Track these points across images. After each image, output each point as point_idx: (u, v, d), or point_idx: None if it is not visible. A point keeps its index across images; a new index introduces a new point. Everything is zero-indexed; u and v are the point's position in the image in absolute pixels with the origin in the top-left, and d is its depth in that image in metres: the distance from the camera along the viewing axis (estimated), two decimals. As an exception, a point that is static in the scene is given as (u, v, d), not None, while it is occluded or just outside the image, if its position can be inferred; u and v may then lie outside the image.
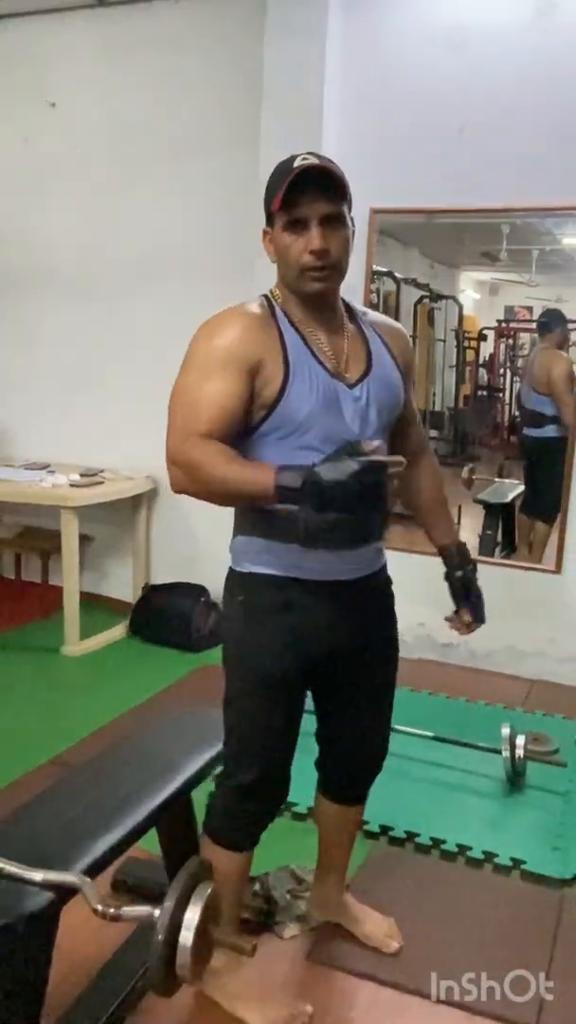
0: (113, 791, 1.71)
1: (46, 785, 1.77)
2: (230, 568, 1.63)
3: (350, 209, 1.52)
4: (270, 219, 1.51)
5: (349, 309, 1.62)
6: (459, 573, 1.74)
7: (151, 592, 3.91)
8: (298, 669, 1.60)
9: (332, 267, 1.49)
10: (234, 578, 1.62)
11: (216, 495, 1.44)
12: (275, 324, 1.52)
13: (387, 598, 1.72)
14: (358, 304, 1.66)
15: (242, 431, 1.49)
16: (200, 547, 3.88)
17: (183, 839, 1.87)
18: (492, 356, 7.27)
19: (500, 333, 6.71)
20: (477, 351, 7.17)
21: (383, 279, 5.04)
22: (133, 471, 3.90)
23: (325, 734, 1.79)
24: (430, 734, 2.74)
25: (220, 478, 1.39)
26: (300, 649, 1.59)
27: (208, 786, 1.78)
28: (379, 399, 1.57)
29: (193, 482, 1.43)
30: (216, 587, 3.87)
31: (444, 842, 2.32)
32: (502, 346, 6.81)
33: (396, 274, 5.42)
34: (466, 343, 7.00)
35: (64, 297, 4.09)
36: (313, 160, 1.46)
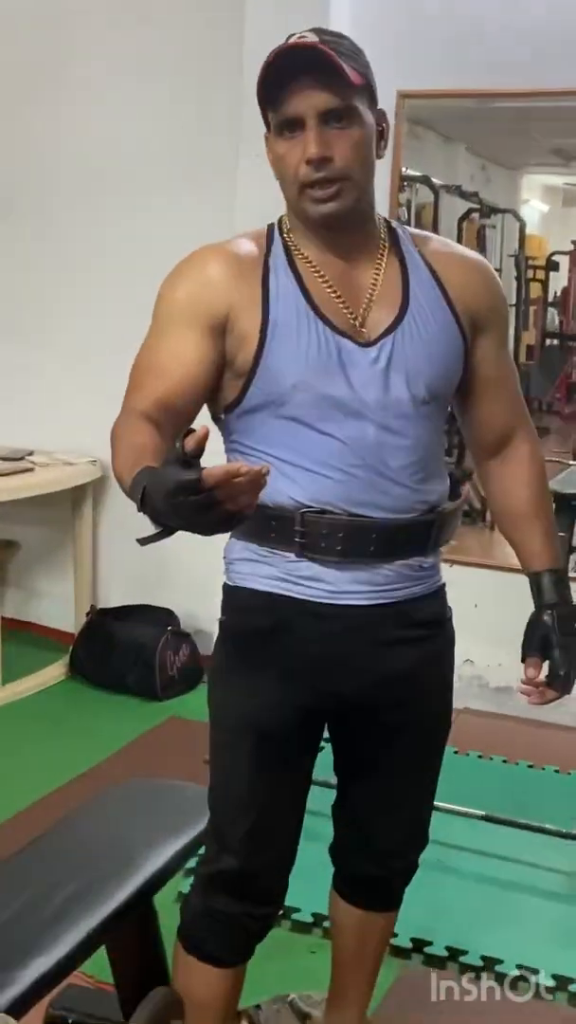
0: (45, 897, 1.71)
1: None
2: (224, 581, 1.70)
3: (373, 101, 1.51)
4: (266, 122, 1.53)
5: (394, 236, 1.62)
6: (548, 616, 1.68)
7: (99, 618, 3.91)
8: (300, 719, 1.62)
9: (340, 179, 1.48)
10: (223, 594, 1.69)
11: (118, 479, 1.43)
12: (263, 262, 1.53)
13: (440, 635, 1.72)
14: (418, 229, 1.67)
15: (225, 408, 1.54)
16: (166, 557, 3.87)
17: (142, 961, 1.88)
18: (566, 291, 7.28)
19: (577, 260, 6.63)
20: (545, 284, 7.20)
21: (416, 187, 5.02)
22: (74, 453, 3.90)
23: (344, 811, 1.80)
24: (480, 812, 2.76)
25: (119, 466, 1.38)
26: (301, 691, 1.61)
27: (180, 884, 1.79)
28: (411, 361, 1.55)
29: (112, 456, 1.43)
30: (187, 610, 3.88)
31: (500, 962, 2.33)
32: (580, 278, 6.75)
33: (434, 179, 5.41)
34: (530, 273, 7.02)
35: (30, 218, 4.10)
36: (310, 37, 1.45)
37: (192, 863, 1.78)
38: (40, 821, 2.70)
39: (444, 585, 1.71)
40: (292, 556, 1.57)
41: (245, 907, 1.68)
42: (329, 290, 1.54)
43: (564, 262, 7.06)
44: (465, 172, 6.73)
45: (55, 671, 3.87)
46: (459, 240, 6.13)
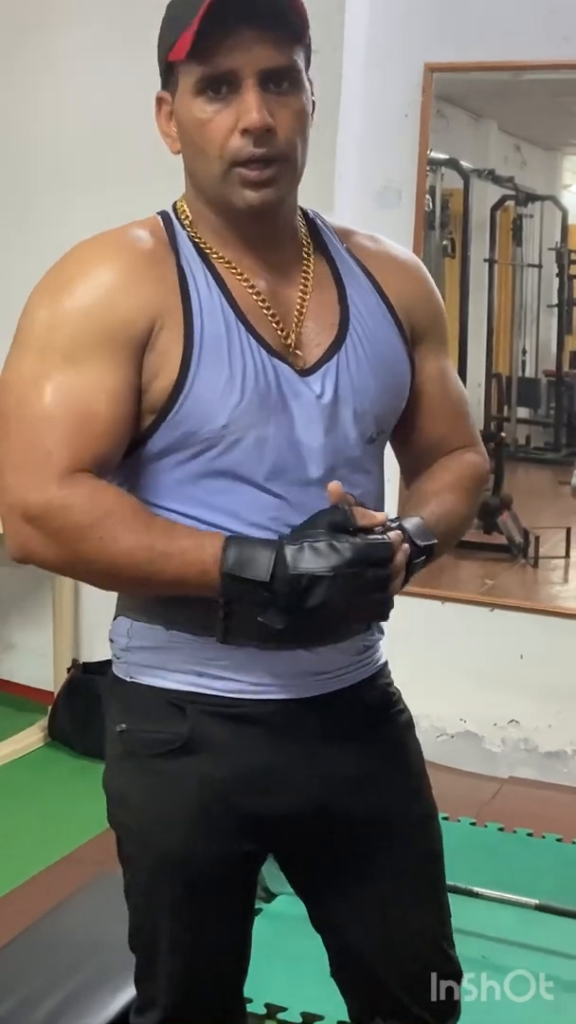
0: (24, 1009, 1.77)
1: None
2: (110, 670, 1.57)
3: (307, 61, 1.41)
4: (169, 77, 1.40)
5: (315, 231, 1.53)
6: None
7: (83, 675, 3.91)
8: (230, 856, 1.52)
9: (280, 160, 1.36)
10: (114, 690, 1.55)
11: (106, 575, 1.37)
12: (174, 261, 1.40)
13: (393, 721, 1.62)
14: (336, 218, 1.57)
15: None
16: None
17: None
18: (616, 290, 7.27)
19: (629, 254, 6.70)
20: (593, 282, 7.20)
21: (441, 170, 5.03)
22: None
23: (332, 959, 1.68)
24: (533, 901, 2.74)
25: (127, 551, 1.32)
26: (228, 822, 1.49)
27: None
28: (359, 391, 1.46)
29: (65, 550, 1.34)
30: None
31: None
32: (633, 274, 6.81)
33: (463, 163, 5.42)
34: (574, 269, 7.04)
35: None
36: None
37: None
38: (19, 911, 2.71)
39: (387, 662, 1.63)
40: (211, 641, 1.42)
41: None
42: (257, 300, 1.43)
43: (613, 256, 7.09)
44: (498, 154, 6.76)
45: (31, 736, 3.88)
46: (491, 232, 6.16)
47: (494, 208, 5.99)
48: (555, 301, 6.71)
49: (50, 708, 3.92)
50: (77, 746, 3.79)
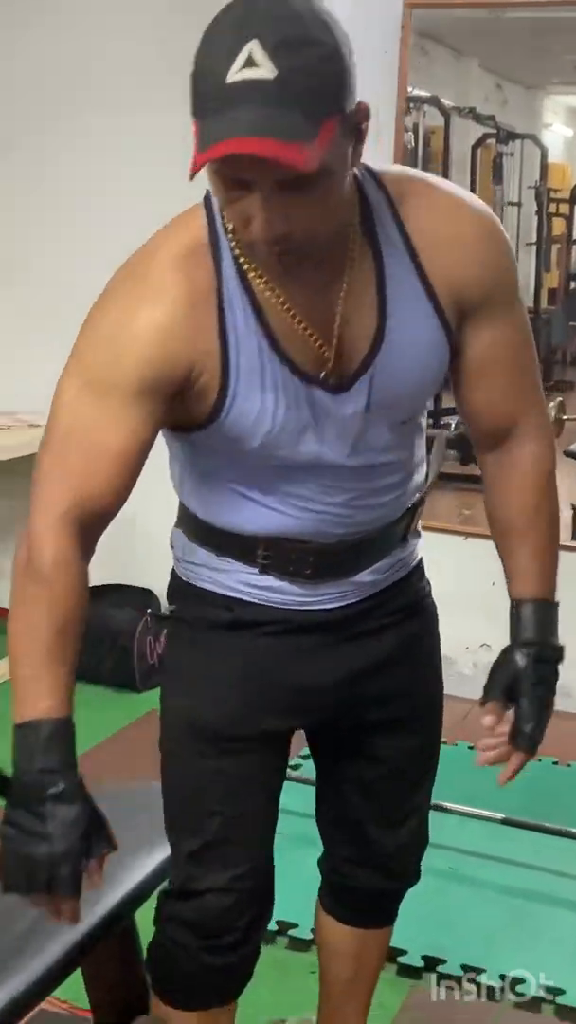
0: (10, 914, 1.68)
1: None
2: (172, 568, 1.68)
3: (347, 115, 1.25)
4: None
5: (364, 207, 1.42)
6: (521, 655, 1.55)
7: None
8: (265, 724, 1.61)
9: (302, 244, 1.29)
10: (172, 584, 1.68)
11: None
12: (215, 297, 1.37)
13: (420, 615, 1.71)
14: (396, 173, 1.46)
15: (176, 427, 1.46)
16: (145, 529, 3.85)
17: (122, 984, 1.90)
18: (594, 227, 7.21)
19: (606, 192, 6.63)
20: (570, 219, 7.17)
21: (423, 108, 4.99)
22: (39, 415, 3.87)
23: (334, 819, 1.81)
24: (499, 815, 2.79)
25: (11, 654, 1.39)
26: (267, 694, 1.60)
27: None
28: (391, 396, 1.46)
29: (13, 599, 1.41)
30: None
31: (522, 982, 2.35)
32: (609, 212, 6.75)
33: (444, 100, 5.38)
34: (552, 208, 7.00)
35: None
36: (256, 72, 1.17)
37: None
38: None
39: (421, 559, 1.70)
40: (255, 571, 1.55)
41: (209, 942, 1.64)
42: (296, 322, 1.39)
43: (591, 194, 7.03)
44: (479, 92, 6.70)
45: None
46: (472, 170, 6.12)
47: (475, 146, 5.96)
48: (534, 239, 6.69)
49: None
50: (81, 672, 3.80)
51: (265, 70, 1.16)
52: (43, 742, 1.35)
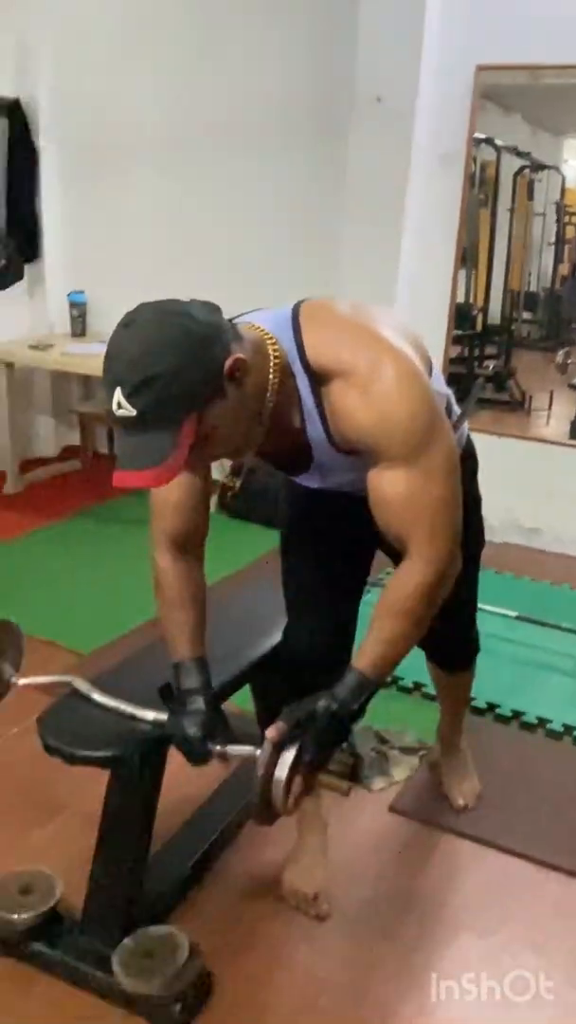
0: (209, 647, 1.69)
1: (144, 643, 1.87)
2: None
3: (215, 392, 1.16)
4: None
5: (295, 388, 1.28)
6: (324, 703, 1.33)
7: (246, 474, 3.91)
8: (326, 516, 1.62)
9: (234, 454, 1.30)
10: None
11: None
12: None
13: (467, 463, 1.61)
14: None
15: None
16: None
17: (277, 699, 1.93)
18: (594, 231, 6.89)
19: (605, 206, 6.32)
20: (580, 226, 6.84)
21: (482, 146, 4.84)
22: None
23: None
24: (513, 614, 2.82)
25: (161, 622, 1.53)
26: (326, 517, 1.62)
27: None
28: (336, 470, 1.41)
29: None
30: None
31: (524, 714, 2.42)
32: (607, 220, 6.44)
33: (497, 141, 5.18)
34: (566, 218, 6.70)
35: (147, 171, 4.03)
36: (124, 412, 1.13)
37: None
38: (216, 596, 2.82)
39: (468, 433, 1.67)
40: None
41: (303, 677, 1.58)
42: (261, 457, 1.42)
43: (594, 209, 6.72)
44: (520, 136, 6.42)
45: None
46: (513, 190, 5.89)
47: (516, 174, 5.72)
48: (553, 240, 6.46)
49: (218, 489, 3.89)
50: (233, 513, 3.82)
51: (128, 409, 1.12)
52: (185, 673, 1.47)
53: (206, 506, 1.47)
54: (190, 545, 1.48)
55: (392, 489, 1.26)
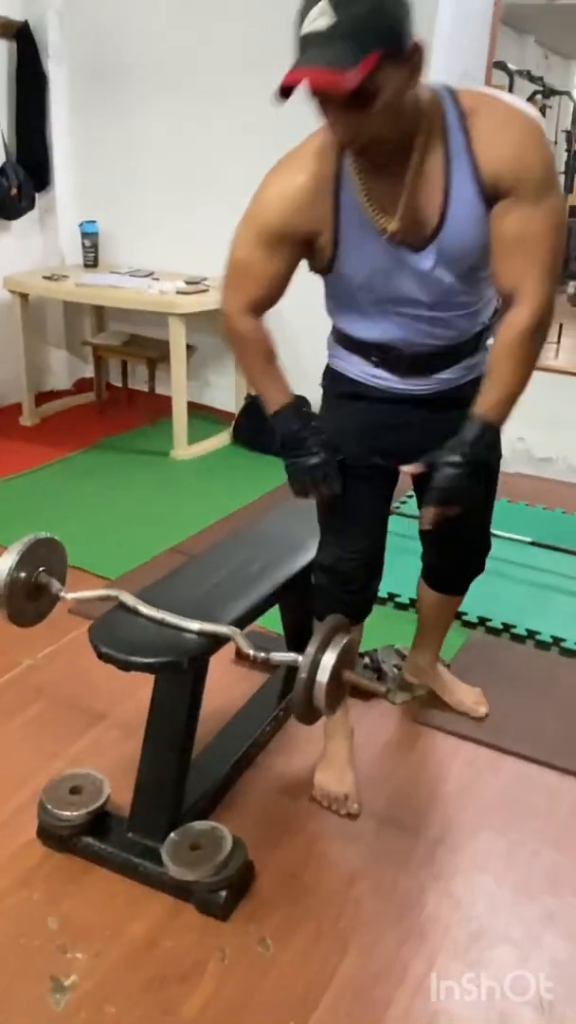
0: (241, 568, 1.88)
1: (172, 568, 1.91)
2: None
3: (398, 49, 1.20)
4: None
5: (442, 121, 1.34)
6: (453, 444, 1.48)
7: (252, 401, 3.98)
8: (368, 454, 1.66)
9: (371, 143, 1.29)
10: (325, 368, 1.74)
11: (244, 373, 1.68)
12: (334, 181, 1.40)
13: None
14: (475, 91, 1.37)
15: (316, 271, 1.54)
16: (302, 360, 3.93)
17: (302, 618, 2.02)
18: (607, 160, 6.82)
19: (619, 134, 6.22)
20: (591, 154, 6.75)
21: (494, 70, 4.76)
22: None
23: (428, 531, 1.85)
24: (527, 539, 2.90)
25: (248, 376, 1.66)
26: (372, 436, 1.66)
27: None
28: (455, 255, 1.42)
29: (233, 350, 1.65)
30: (317, 399, 3.96)
31: (539, 633, 2.51)
32: (620, 148, 6.36)
33: (510, 65, 5.10)
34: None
35: (160, 96, 3.95)
36: (320, 24, 1.15)
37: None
38: (222, 530, 2.92)
39: (482, 372, 1.61)
40: (370, 364, 1.62)
41: (341, 587, 1.76)
42: (384, 202, 1.39)
43: (606, 136, 6.63)
44: (532, 60, 6.32)
45: (222, 439, 4.00)
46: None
47: (528, 98, 5.64)
48: (563, 168, 6.37)
49: (232, 423, 4.02)
50: (250, 445, 3.90)
51: (329, 16, 1.15)
52: (289, 416, 1.61)
53: (289, 280, 1.53)
54: (262, 310, 1.58)
55: (519, 226, 1.35)
